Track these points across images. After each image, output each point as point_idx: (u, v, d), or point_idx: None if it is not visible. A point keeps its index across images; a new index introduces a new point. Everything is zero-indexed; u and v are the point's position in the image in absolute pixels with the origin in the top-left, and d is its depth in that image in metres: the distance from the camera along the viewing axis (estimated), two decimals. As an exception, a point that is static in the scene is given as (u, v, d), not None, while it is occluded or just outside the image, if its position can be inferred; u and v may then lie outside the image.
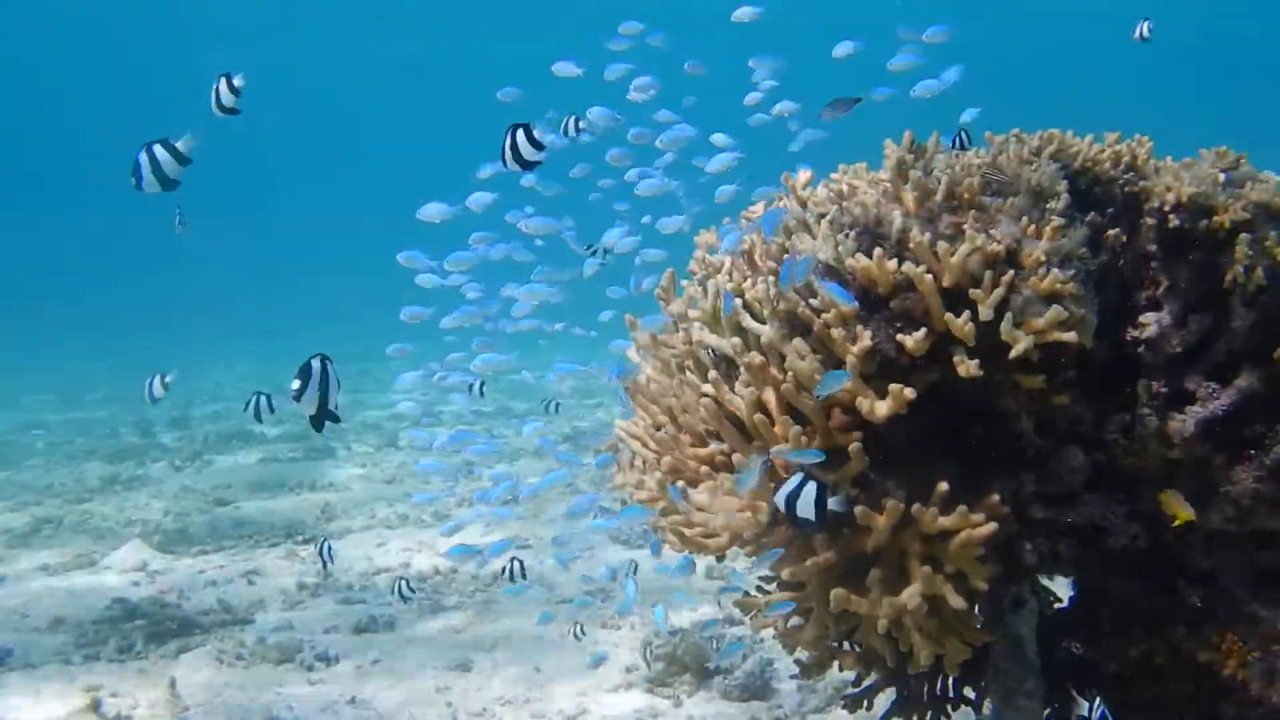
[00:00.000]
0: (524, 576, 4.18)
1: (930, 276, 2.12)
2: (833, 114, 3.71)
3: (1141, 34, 4.49)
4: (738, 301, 2.32)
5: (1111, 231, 2.44)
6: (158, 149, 3.01)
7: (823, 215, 2.44)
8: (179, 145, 3.01)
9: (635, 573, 4.46)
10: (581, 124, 4.48)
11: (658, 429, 2.60)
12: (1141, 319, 2.40)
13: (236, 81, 3.25)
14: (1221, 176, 2.31)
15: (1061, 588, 2.85)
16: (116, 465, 9.69)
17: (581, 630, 4.51)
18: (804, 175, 2.73)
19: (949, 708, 2.81)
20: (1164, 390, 2.34)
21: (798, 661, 2.70)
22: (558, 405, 6.19)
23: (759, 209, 2.76)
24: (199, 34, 37.12)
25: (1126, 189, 2.48)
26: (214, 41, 36.33)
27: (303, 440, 10.40)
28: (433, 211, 5.10)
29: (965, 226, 2.18)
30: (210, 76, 3.27)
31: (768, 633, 2.68)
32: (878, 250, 2.15)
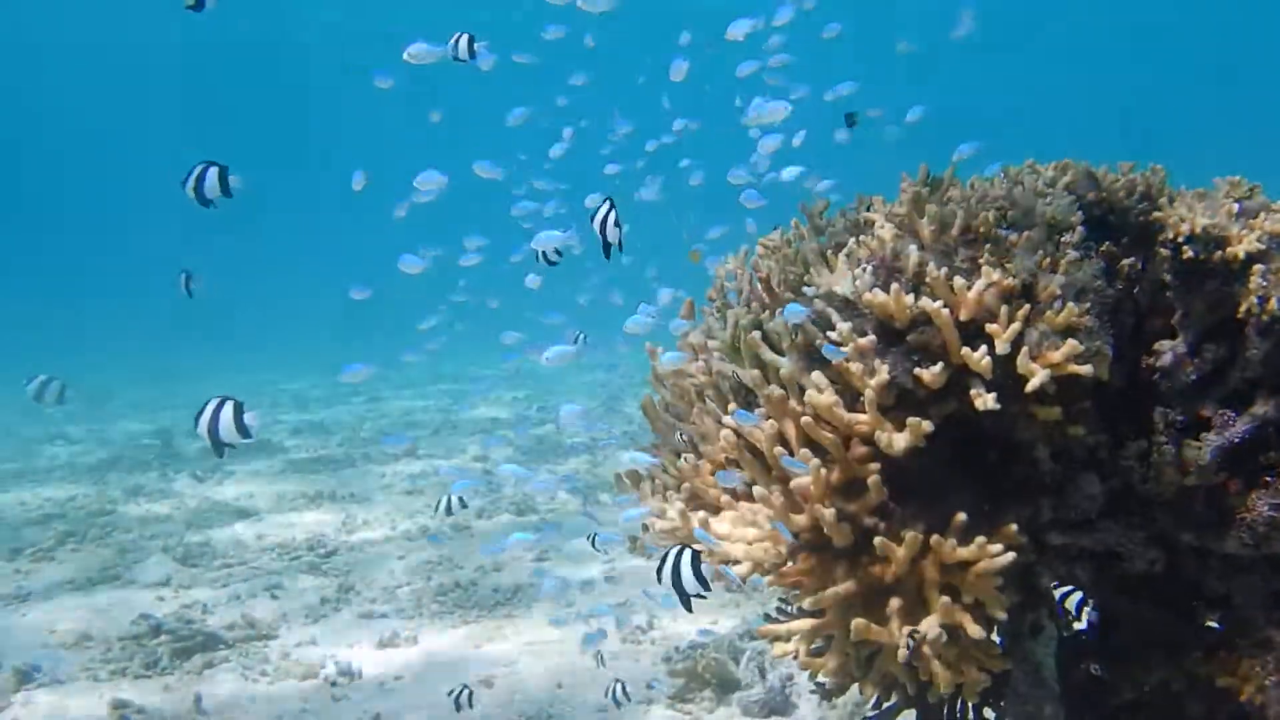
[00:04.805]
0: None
1: (947, 311, 2.15)
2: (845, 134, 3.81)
3: None
4: (756, 334, 2.35)
5: (1127, 260, 2.47)
6: (212, 171, 3.17)
7: (840, 245, 2.48)
8: (231, 180, 3.15)
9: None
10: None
11: (678, 455, 2.64)
12: (1157, 346, 2.42)
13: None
14: (1235, 207, 2.33)
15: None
16: (139, 476, 9.77)
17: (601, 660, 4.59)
18: (820, 204, 2.76)
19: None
20: (1180, 418, 2.36)
21: (818, 684, 2.73)
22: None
23: (776, 237, 2.79)
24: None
25: (1141, 218, 2.50)
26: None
27: (323, 451, 10.47)
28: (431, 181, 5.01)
29: (981, 260, 2.21)
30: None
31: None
32: (894, 285, 2.18)
